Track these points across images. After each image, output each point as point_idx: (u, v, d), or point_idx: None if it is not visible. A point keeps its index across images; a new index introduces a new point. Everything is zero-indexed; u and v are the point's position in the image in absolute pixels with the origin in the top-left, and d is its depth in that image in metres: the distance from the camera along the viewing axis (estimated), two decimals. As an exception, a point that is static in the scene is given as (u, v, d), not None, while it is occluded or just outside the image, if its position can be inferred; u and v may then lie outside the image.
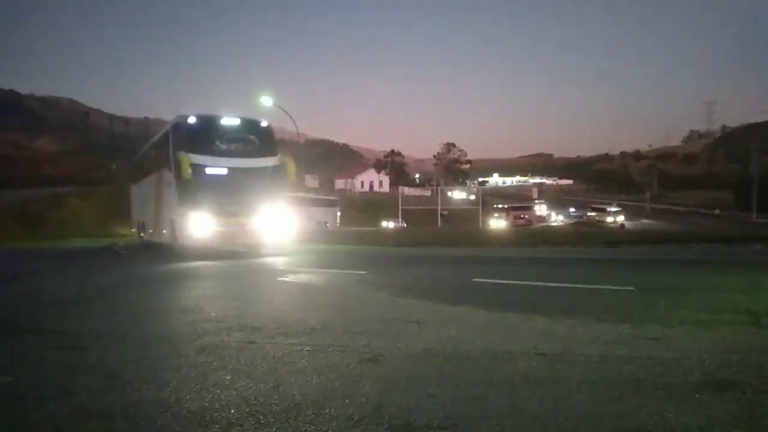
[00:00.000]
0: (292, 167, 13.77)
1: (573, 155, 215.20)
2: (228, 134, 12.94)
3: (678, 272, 8.84)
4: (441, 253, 13.96)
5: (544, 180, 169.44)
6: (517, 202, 68.39)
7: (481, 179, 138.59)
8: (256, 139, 13.20)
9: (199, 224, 12.25)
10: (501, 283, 7.01)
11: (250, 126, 13.36)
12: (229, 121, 13.18)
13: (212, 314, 5.16)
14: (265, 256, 12.72)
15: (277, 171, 13.29)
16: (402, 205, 45.39)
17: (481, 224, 43.87)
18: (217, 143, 12.69)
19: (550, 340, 3.80)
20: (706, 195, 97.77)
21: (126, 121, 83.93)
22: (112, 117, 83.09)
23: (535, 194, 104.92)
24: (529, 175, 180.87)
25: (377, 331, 4.33)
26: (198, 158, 12.16)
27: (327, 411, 2.50)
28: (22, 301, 6.68)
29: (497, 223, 45.46)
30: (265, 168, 13.11)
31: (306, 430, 2.30)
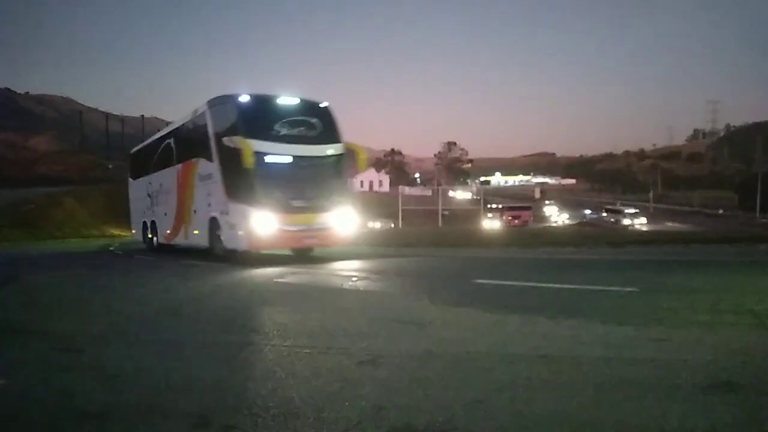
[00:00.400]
0: (362, 156, 11.90)
1: (576, 154, 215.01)
2: (289, 117, 11.01)
3: (681, 273, 8.79)
4: (441, 254, 13.93)
5: (546, 179, 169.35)
6: (515, 201, 67.26)
7: (482, 179, 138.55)
8: (320, 122, 11.32)
9: (260, 223, 10.19)
10: (503, 284, 6.98)
11: (312, 107, 11.50)
12: (289, 101, 11.30)
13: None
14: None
15: (343, 160, 11.48)
16: (402, 205, 45.39)
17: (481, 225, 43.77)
18: (278, 127, 10.79)
19: (553, 342, 3.77)
20: (710, 195, 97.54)
21: (122, 119, 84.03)
22: (107, 115, 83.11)
23: (537, 194, 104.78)
24: (532, 174, 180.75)
25: (376, 332, 4.31)
26: (256, 144, 10.16)
27: (326, 413, 2.48)
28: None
29: (491, 223, 43.75)
30: (331, 156, 11.30)
31: (304, 433, 2.28)
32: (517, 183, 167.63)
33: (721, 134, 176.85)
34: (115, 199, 39.96)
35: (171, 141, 14.84)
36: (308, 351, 3.70)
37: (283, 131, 10.84)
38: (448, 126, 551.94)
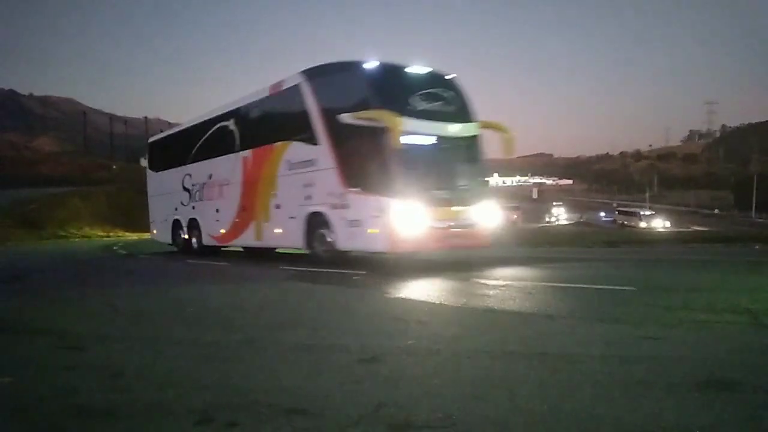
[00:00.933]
0: (509, 136, 9.82)
1: (573, 155, 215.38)
2: (425, 89, 9.07)
3: (678, 272, 8.84)
4: (440, 253, 13.95)
5: (544, 180, 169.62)
6: (505, 201, 66.79)
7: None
8: (455, 96, 9.54)
9: (405, 219, 8.19)
10: (501, 283, 7.01)
11: (444, 79, 9.62)
12: (420, 70, 9.40)
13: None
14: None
15: (481, 142, 9.75)
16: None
17: None
18: (415, 100, 8.83)
19: (551, 340, 3.80)
20: (706, 195, 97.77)
21: (125, 121, 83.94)
22: (111, 117, 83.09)
23: (534, 194, 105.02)
24: (529, 175, 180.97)
25: (377, 330, 4.33)
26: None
27: (326, 410, 2.50)
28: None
29: None
30: (472, 137, 9.53)
31: (306, 429, 2.30)
32: (515, 183, 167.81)
33: (717, 135, 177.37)
34: (118, 200, 40.01)
35: (229, 124, 12.50)
36: (308, 348, 3.72)
37: (422, 106, 8.84)
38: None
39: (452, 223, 8.84)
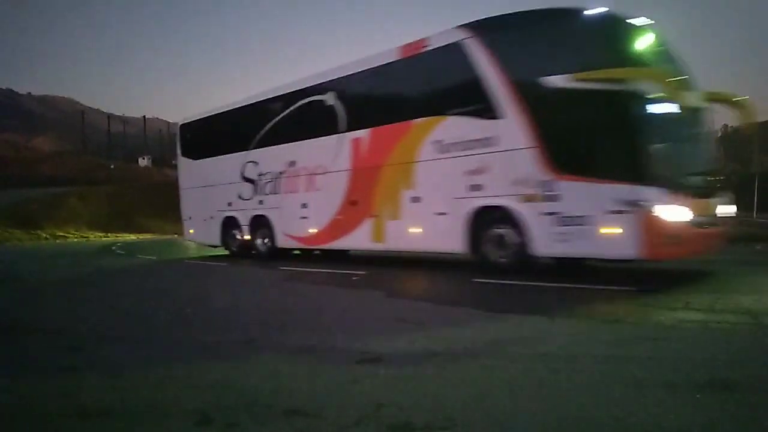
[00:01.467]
0: (749, 107, 7.70)
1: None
2: (660, 48, 7.01)
3: (678, 272, 8.83)
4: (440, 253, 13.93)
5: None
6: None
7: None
8: (680, 59, 7.28)
9: (669, 215, 6.15)
10: (501, 283, 7.00)
11: (665, 39, 7.22)
12: (647, 23, 6.86)
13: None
14: None
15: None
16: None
17: None
18: (655, 60, 6.72)
19: (551, 341, 3.80)
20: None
21: (124, 120, 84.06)
22: (109, 116, 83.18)
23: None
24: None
25: (376, 331, 4.33)
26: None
27: (326, 411, 2.50)
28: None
29: None
30: (703, 111, 7.40)
31: (306, 430, 2.30)
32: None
33: (718, 134, 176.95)
34: (117, 200, 40.04)
35: (326, 98, 10.17)
36: (308, 348, 3.72)
37: (662, 66, 6.77)
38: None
39: (708, 220, 6.86)
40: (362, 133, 9.50)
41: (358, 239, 9.65)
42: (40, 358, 3.76)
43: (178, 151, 14.82)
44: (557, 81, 6.64)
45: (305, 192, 10.70)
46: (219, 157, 13.13)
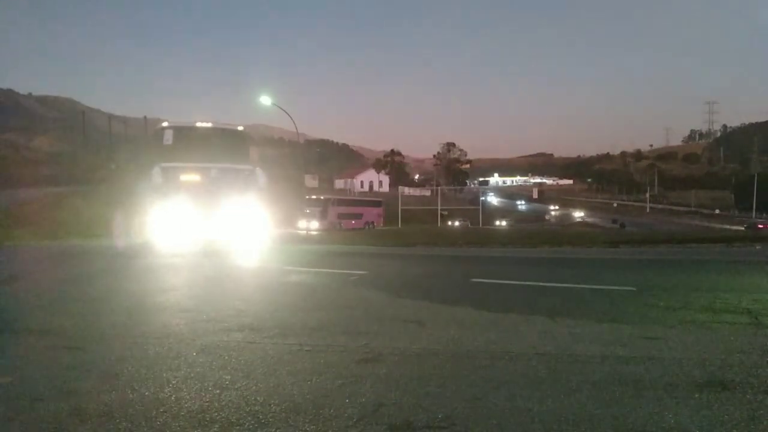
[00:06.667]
0: None
1: (573, 155, 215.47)
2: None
3: (678, 272, 8.83)
4: (439, 253, 13.95)
5: (544, 180, 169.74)
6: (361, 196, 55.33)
7: (481, 179, 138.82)
8: None
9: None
10: (500, 283, 7.01)
11: None
12: None
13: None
14: None
15: None
16: (402, 204, 45.38)
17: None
18: None
19: (550, 340, 3.80)
20: (706, 195, 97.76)
21: (124, 121, 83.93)
22: (110, 117, 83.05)
23: (535, 194, 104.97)
24: (530, 175, 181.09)
25: (376, 331, 4.33)
26: None
27: (326, 411, 2.50)
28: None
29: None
30: None
31: (306, 429, 2.30)
32: (515, 183, 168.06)
33: (718, 135, 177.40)
34: (117, 200, 39.95)
35: None
36: (308, 349, 3.73)
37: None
38: (448, 127, 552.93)
39: None
40: None
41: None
42: (39, 358, 3.75)
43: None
44: None
45: None
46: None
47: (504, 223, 53.68)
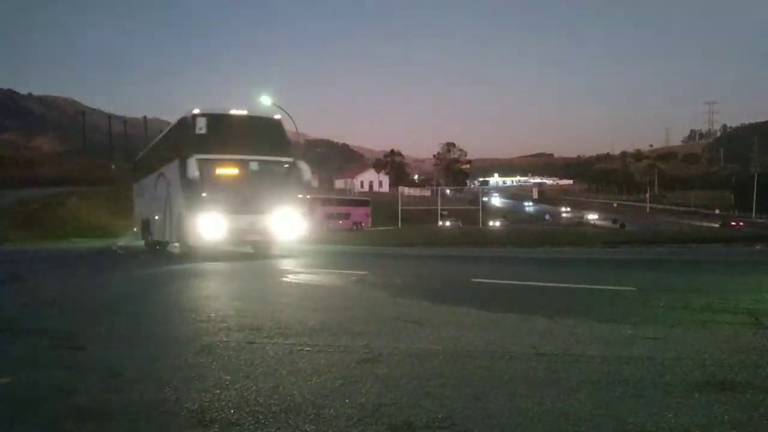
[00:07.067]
0: None
1: (573, 155, 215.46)
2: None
3: (678, 272, 8.83)
4: (440, 253, 13.95)
5: (544, 180, 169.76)
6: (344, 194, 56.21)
7: (481, 179, 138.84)
8: None
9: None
10: (500, 283, 7.01)
11: None
12: None
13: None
14: None
15: None
16: (402, 205, 45.37)
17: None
18: None
19: (550, 340, 3.80)
20: (706, 195, 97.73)
21: (124, 121, 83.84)
22: (110, 117, 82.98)
23: (535, 194, 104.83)
24: (530, 175, 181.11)
25: (377, 331, 4.33)
26: None
27: (327, 411, 2.50)
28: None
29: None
30: None
31: (306, 430, 2.30)
32: (515, 183, 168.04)
33: (718, 135, 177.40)
34: (117, 200, 39.93)
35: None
36: (309, 349, 3.72)
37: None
38: (448, 127, 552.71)
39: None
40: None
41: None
42: (39, 358, 3.75)
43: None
44: None
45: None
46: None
47: (498, 223, 52.58)
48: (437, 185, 77.33)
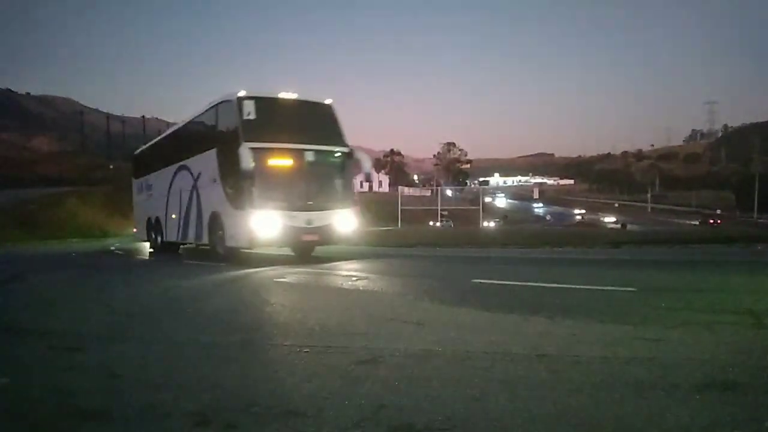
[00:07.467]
0: None
1: (574, 155, 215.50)
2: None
3: (679, 273, 8.82)
4: (440, 254, 13.94)
5: (545, 180, 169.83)
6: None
7: (481, 179, 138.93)
8: None
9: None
10: (501, 284, 7.00)
11: None
12: None
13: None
14: None
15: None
16: (401, 205, 45.36)
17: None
18: None
19: (551, 341, 3.79)
20: (708, 195, 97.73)
21: (123, 120, 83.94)
22: (108, 116, 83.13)
23: (535, 194, 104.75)
24: (530, 175, 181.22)
25: (377, 332, 4.32)
26: None
27: (327, 412, 2.49)
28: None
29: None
30: None
31: (306, 431, 2.29)
32: (515, 183, 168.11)
33: (719, 135, 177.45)
34: (116, 200, 39.97)
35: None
36: (308, 350, 3.71)
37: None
38: (448, 127, 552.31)
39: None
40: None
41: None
42: (37, 359, 3.75)
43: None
44: None
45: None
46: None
47: (492, 224, 51.58)
48: (437, 185, 77.28)
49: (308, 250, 12.22)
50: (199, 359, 3.58)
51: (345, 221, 11.15)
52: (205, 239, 12.44)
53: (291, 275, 8.63)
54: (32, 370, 3.44)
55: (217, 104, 11.88)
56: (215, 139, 11.82)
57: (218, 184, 11.40)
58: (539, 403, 2.56)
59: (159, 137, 19.44)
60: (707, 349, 3.49)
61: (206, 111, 12.59)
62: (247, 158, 9.86)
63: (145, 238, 18.10)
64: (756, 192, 69.38)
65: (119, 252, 18.55)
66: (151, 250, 17.19)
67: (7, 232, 27.97)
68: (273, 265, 10.16)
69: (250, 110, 10.58)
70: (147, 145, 20.37)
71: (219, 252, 11.61)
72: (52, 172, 54.54)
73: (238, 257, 11.18)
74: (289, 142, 10.90)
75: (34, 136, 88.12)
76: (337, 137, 11.55)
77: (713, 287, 6.40)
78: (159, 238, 16.48)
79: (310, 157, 10.97)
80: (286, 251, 12.57)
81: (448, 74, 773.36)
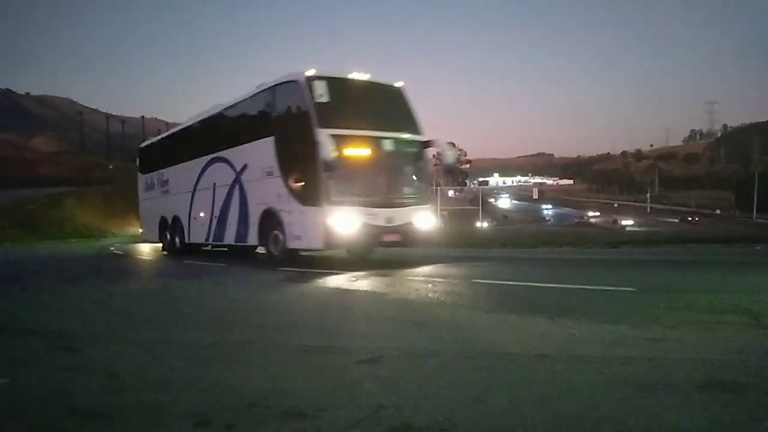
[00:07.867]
0: None
1: (573, 155, 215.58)
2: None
3: (678, 273, 8.82)
4: (439, 253, 13.94)
5: (544, 180, 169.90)
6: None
7: (481, 179, 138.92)
8: None
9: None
10: (500, 284, 6.99)
11: None
12: None
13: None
14: None
15: None
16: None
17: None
18: None
19: (550, 341, 3.79)
20: (707, 195, 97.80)
21: (122, 120, 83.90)
22: (108, 116, 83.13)
23: (535, 194, 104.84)
24: (530, 174, 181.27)
25: (376, 332, 4.32)
26: None
27: (326, 412, 2.49)
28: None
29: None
30: None
31: (305, 431, 2.29)
32: (515, 183, 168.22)
33: (718, 135, 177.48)
34: (115, 200, 40.01)
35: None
36: (308, 349, 3.71)
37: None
38: (447, 127, 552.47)
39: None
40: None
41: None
42: (37, 359, 3.74)
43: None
44: None
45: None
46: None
47: (486, 224, 50.84)
48: (437, 185, 77.24)
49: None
50: (200, 359, 3.58)
51: (425, 219, 10.04)
52: (252, 240, 11.09)
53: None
54: (32, 370, 3.43)
55: (274, 86, 10.47)
56: (272, 125, 10.46)
57: (276, 177, 10.10)
58: (538, 403, 2.56)
59: (178, 128, 17.19)
60: (707, 349, 3.49)
61: (257, 94, 11.09)
62: (327, 146, 8.67)
63: (156, 239, 16.26)
64: (755, 192, 69.39)
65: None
66: (165, 252, 15.55)
67: (6, 232, 27.96)
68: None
69: (322, 92, 9.15)
70: (159, 137, 18.70)
71: (273, 254, 10.38)
72: (52, 172, 54.54)
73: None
74: (366, 129, 9.63)
75: (33, 137, 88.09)
76: (412, 124, 10.30)
77: (712, 287, 6.40)
78: (177, 239, 14.79)
79: (388, 146, 9.77)
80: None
81: (447, 74, 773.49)
